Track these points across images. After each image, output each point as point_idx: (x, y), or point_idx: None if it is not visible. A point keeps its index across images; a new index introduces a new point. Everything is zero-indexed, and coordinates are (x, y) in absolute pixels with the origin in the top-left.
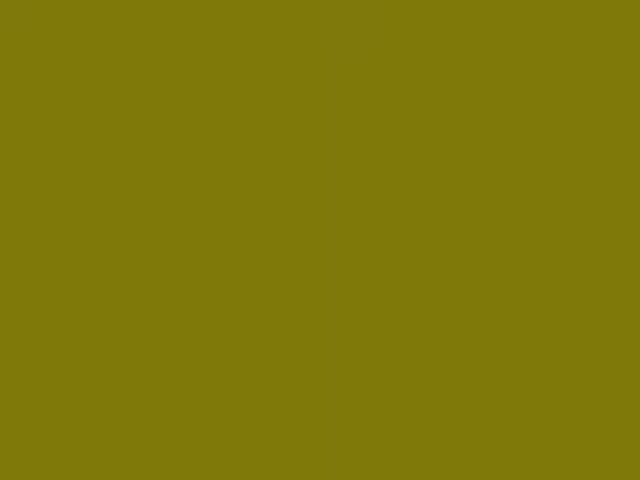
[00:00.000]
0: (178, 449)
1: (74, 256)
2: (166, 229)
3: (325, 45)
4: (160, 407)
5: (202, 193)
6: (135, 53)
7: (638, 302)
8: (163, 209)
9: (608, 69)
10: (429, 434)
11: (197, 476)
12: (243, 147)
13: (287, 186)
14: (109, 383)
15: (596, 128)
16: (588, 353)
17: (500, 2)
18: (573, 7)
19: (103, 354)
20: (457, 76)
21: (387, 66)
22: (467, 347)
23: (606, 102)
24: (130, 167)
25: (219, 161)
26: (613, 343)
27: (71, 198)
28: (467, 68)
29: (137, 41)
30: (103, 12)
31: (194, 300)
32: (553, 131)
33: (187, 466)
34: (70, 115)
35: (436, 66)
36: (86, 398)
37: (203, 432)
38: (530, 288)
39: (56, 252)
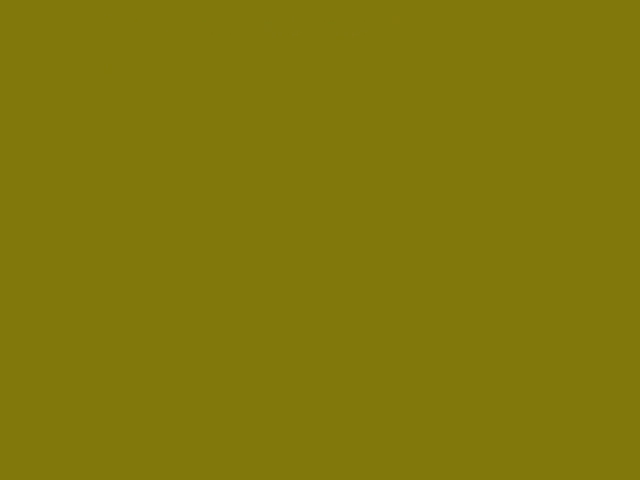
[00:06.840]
0: (178, 449)
1: (74, 256)
2: (166, 229)
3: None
4: (160, 408)
5: (198, 183)
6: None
7: (638, 302)
8: (162, 209)
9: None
10: (428, 435)
11: (198, 476)
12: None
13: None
14: (109, 384)
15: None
16: (588, 353)
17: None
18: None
19: (103, 355)
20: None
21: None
22: (467, 348)
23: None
24: (126, 161)
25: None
26: (613, 343)
27: (65, 194)
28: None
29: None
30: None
31: (195, 300)
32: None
33: (188, 467)
34: (68, 114)
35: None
36: (86, 398)
37: (203, 433)
38: (530, 288)
39: (55, 251)
